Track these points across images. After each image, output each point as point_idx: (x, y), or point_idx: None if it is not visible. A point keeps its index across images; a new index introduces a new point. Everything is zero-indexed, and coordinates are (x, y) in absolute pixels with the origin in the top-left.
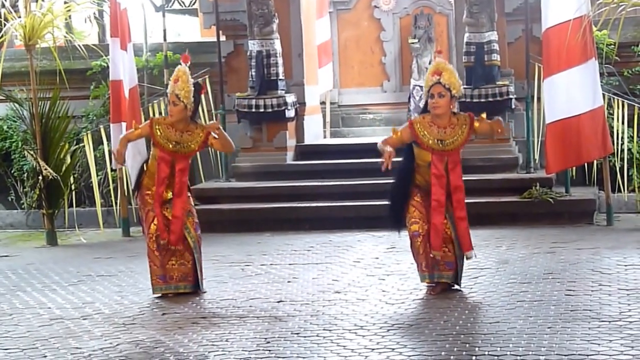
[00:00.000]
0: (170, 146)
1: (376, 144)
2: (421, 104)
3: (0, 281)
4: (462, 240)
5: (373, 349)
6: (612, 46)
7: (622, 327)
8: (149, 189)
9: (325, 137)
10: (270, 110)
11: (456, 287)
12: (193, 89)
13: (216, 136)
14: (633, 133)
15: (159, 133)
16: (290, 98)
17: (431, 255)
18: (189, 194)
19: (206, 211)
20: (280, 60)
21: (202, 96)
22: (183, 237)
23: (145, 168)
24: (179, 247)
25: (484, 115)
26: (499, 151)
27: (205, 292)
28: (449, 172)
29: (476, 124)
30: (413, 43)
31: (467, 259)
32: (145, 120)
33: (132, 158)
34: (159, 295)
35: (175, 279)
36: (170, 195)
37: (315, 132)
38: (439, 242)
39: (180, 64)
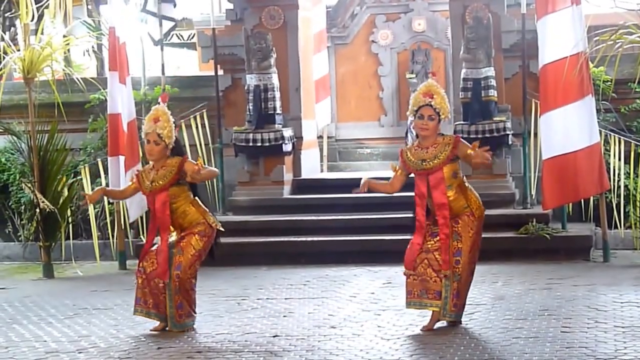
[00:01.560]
0: (148, 187)
1: (373, 178)
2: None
3: None
4: (443, 258)
5: None
6: (609, 83)
7: None
8: None
9: (322, 171)
10: (267, 144)
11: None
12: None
13: (199, 167)
14: (629, 169)
15: (143, 180)
16: (288, 132)
17: (403, 273)
18: (197, 233)
19: None
20: (277, 95)
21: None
22: (167, 271)
23: None
24: (165, 280)
25: (476, 144)
26: (495, 187)
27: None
28: (432, 190)
29: (470, 151)
30: (410, 78)
31: (444, 276)
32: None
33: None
34: (140, 317)
35: (149, 305)
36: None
37: (312, 166)
38: (411, 259)
39: (159, 103)
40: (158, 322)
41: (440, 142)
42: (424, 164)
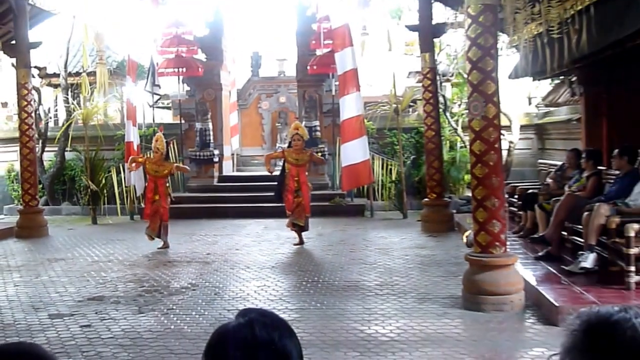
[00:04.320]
0: (153, 172)
1: (259, 175)
2: None
3: (67, 241)
4: (307, 205)
5: (254, 279)
6: (374, 129)
7: (375, 267)
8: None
9: (233, 171)
10: (206, 157)
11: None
12: (166, 143)
13: (182, 167)
14: (384, 173)
15: (147, 165)
16: (216, 152)
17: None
18: (169, 198)
19: (173, 208)
20: (211, 133)
21: (169, 148)
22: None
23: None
24: (166, 222)
25: (314, 153)
26: (319, 179)
27: (167, 246)
28: (299, 174)
29: (310, 154)
30: (278, 126)
31: (307, 217)
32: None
33: (138, 180)
34: (150, 239)
35: (153, 229)
36: (157, 197)
37: (228, 169)
38: (291, 206)
39: (157, 132)
40: (158, 241)
41: (305, 152)
42: (298, 161)
